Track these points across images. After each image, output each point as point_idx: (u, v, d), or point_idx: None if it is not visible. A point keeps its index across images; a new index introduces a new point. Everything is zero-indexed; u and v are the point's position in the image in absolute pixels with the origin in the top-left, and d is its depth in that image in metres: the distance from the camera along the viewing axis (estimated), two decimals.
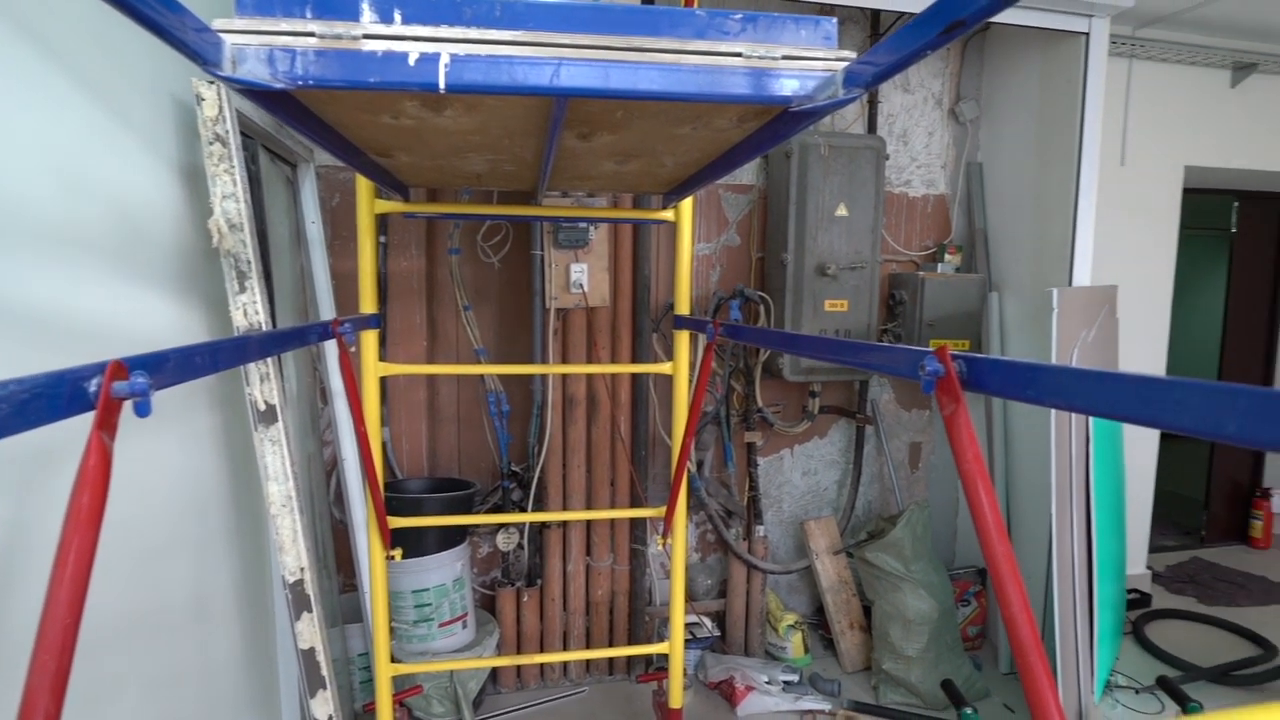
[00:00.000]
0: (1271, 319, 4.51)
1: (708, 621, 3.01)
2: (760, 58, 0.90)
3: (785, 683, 2.84)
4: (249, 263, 1.56)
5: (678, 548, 2.18)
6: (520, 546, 2.80)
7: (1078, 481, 2.47)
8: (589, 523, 2.85)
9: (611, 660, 2.91)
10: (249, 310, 1.57)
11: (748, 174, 2.99)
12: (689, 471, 2.92)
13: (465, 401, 2.84)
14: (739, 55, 0.90)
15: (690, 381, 2.13)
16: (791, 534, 3.27)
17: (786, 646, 3.03)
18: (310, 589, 1.66)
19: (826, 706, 2.72)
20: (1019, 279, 3.01)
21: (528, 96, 0.92)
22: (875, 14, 2.98)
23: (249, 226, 1.56)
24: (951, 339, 2.98)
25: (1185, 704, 1.76)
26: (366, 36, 0.82)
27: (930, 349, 0.80)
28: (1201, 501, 4.65)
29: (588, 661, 2.90)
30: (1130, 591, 3.65)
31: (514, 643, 2.78)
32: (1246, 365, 4.61)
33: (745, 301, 2.84)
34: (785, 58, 0.90)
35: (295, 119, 1.01)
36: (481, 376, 2.78)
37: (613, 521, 2.87)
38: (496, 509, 2.79)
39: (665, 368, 2.08)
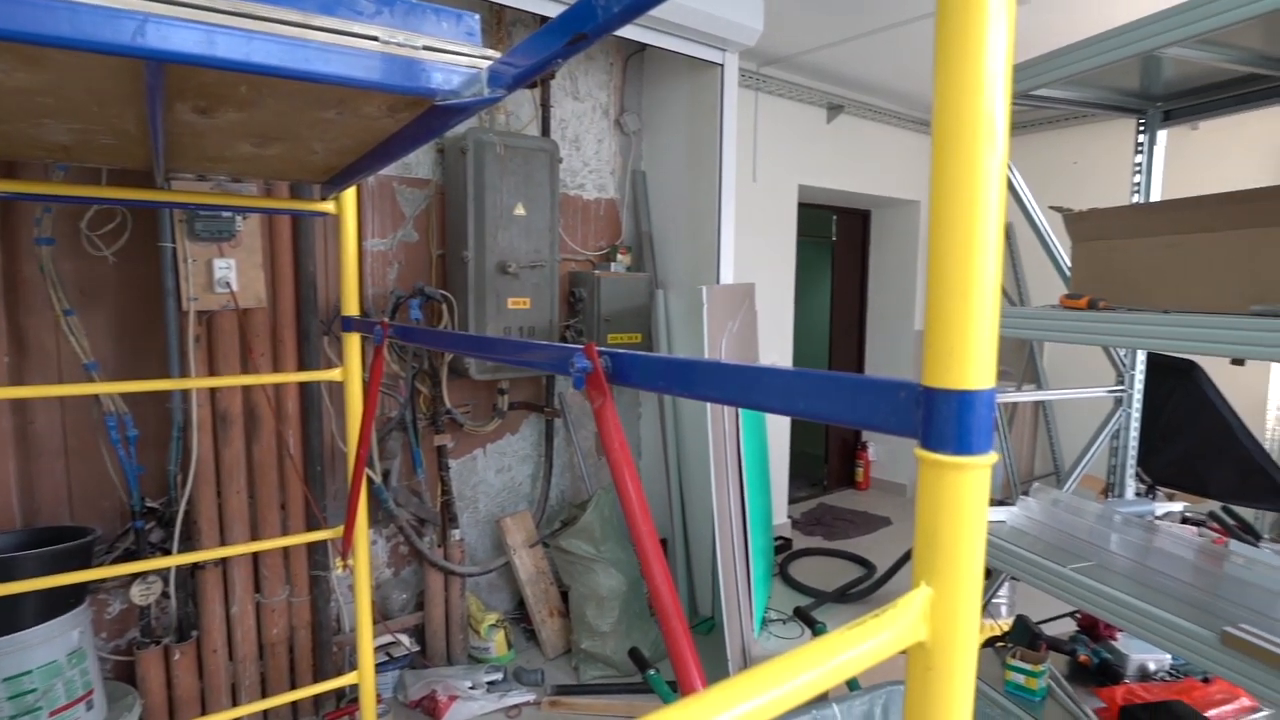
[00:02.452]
0: (861, 311, 5.71)
1: (405, 638, 2.86)
2: (399, 45, 0.85)
3: (489, 683, 2.82)
4: None
5: (360, 566, 2.02)
6: (166, 595, 2.35)
7: (731, 452, 2.85)
8: (257, 555, 2.50)
9: (296, 705, 2.60)
10: None
11: (424, 168, 2.88)
12: (374, 483, 2.73)
13: (75, 429, 2.29)
14: (375, 39, 0.84)
15: (363, 387, 1.98)
16: (489, 533, 3.26)
17: (490, 646, 3.01)
18: None
19: (531, 697, 2.76)
20: (679, 277, 3.37)
21: (108, 56, 0.75)
22: (499, 9, 2.87)
23: None
24: (626, 332, 3.22)
25: (814, 626, 2.15)
26: None
27: (578, 347, 0.84)
28: (823, 456, 5.73)
29: (265, 712, 2.55)
30: (777, 539, 4.35)
31: (164, 711, 2.34)
32: (848, 349, 5.78)
33: (427, 300, 2.74)
34: (427, 49, 0.87)
35: None
36: (96, 397, 2.27)
37: (287, 549, 2.56)
38: (128, 556, 2.31)
39: (334, 374, 1.91)
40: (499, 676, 2.88)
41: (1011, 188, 1.89)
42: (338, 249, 1.81)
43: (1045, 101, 1.80)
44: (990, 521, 1.90)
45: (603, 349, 0.83)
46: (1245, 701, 1.76)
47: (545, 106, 3.12)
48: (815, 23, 3.39)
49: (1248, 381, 3.53)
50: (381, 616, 2.87)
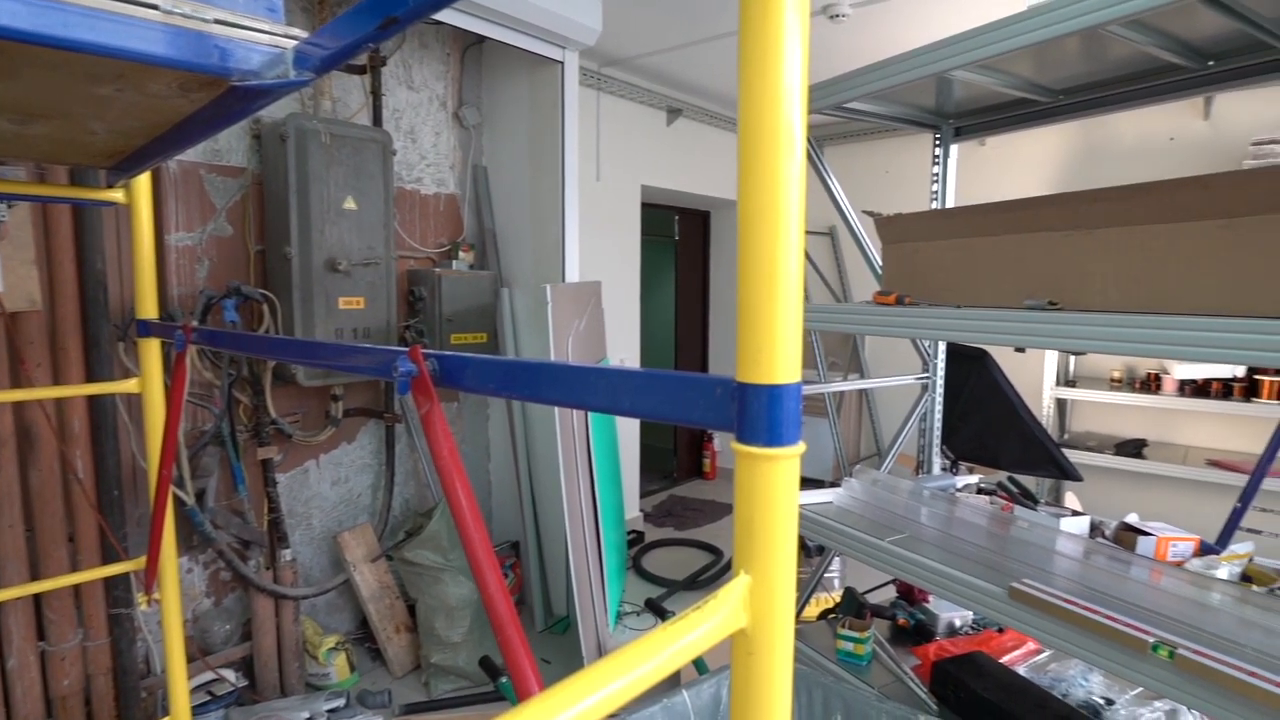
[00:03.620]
0: (705, 309, 5.93)
1: (230, 673, 2.60)
2: (185, 16, 0.76)
3: (330, 711, 2.63)
4: None
5: (169, 599, 1.80)
6: None
7: (580, 450, 2.86)
8: (39, 597, 2.17)
9: None
10: None
11: (237, 154, 2.63)
12: (186, 505, 2.45)
13: None
14: (155, 8, 0.74)
15: (166, 398, 1.77)
16: (326, 550, 3.04)
17: (330, 672, 2.81)
18: None
19: None
20: (525, 275, 3.32)
21: None
22: None
23: None
24: (471, 332, 3.13)
25: (664, 615, 2.21)
26: None
27: (404, 349, 0.79)
28: (672, 449, 5.90)
29: None
30: (630, 532, 4.42)
31: None
32: (693, 346, 5.98)
33: (244, 301, 2.50)
34: (219, 22, 0.78)
35: None
36: None
37: (78, 588, 2.24)
38: None
39: (130, 385, 1.69)
40: (340, 703, 2.69)
41: (831, 194, 2.04)
42: (131, 243, 1.60)
43: (856, 114, 1.96)
44: (820, 503, 2.04)
45: (430, 351, 0.79)
46: (1031, 645, 2.02)
47: (376, 95, 2.95)
48: (652, 27, 3.47)
49: (1028, 366, 4.06)
50: (201, 652, 2.59)
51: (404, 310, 3.12)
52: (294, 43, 0.83)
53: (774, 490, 0.51)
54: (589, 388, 0.63)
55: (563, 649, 3.17)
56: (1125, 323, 1.23)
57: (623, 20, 3.35)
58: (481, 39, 3.17)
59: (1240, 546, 1.51)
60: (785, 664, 0.54)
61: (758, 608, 0.53)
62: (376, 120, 2.97)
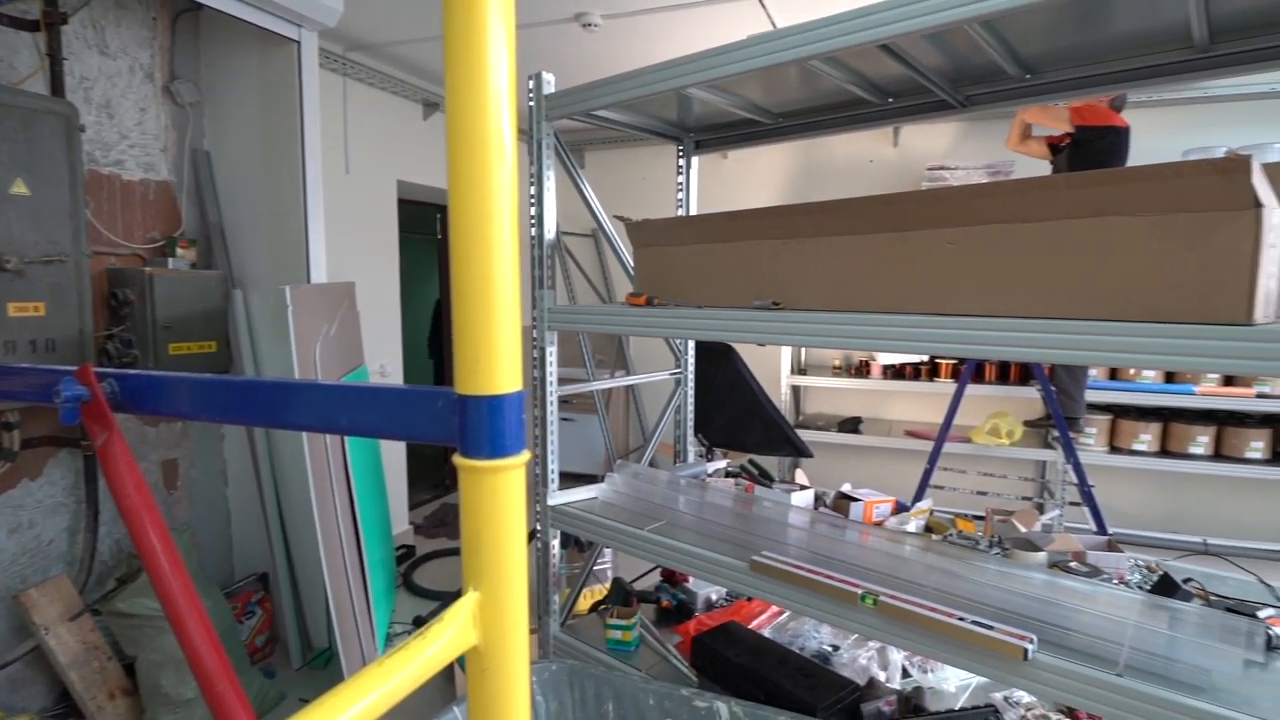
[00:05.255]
0: None
1: None
2: None
3: None
4: None
5: None
6: None
7: (335, 466, 2.64)
8: None
9: None
10: None
11: None
12: None
13: None
14: None
15: None
16: (5, 614, 2.47)
17: None
18: None
19: None
20: (262, 276, 2.98)
21: None
22: None
23: None
24: (196, 341, 2.73)
25: None
26: None
27: (69, 369, 0.66)
28: (443, 455, 5.69)
29: None
30: (400, 547, 4.18)
31: None
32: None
33: None
34: None
35: None
36: None
37: None
38: None
39: None
40: None
41: (584, 198, 2.10)
42: None
43: (607, 122, 2.03)
44: (586, 499, 2.09)
45: (105, 370, 0.67)
46: (775, 609, 2.25)
47: (55, 58, 2.45)
48: (402, 13, 3.30)
49: (768, 358, 4.53)
50: None
51: (104, 317, 2.63)
52: None
53: (500, 502, 0.51)
54: (300, 406, 0.57)
55: (326, 684, 2.90)
56: (831, 320, 1.41)
57: (369, 2, 3.15)
58: (196, 5, 2.78)
59: (923, 503, 1.82)
60: (521, 678, 0.54)
61: (489, 624, 0.52)
62: (57, 89, 2.46)
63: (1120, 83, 1.63)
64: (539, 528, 2.11)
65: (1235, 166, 1.03)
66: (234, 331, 2.84)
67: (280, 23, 2.74)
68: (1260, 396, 3.63)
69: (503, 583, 0.51)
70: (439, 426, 0.51)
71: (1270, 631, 1.26)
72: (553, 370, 1.99)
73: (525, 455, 0.52)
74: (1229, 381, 3.68)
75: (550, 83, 1.96)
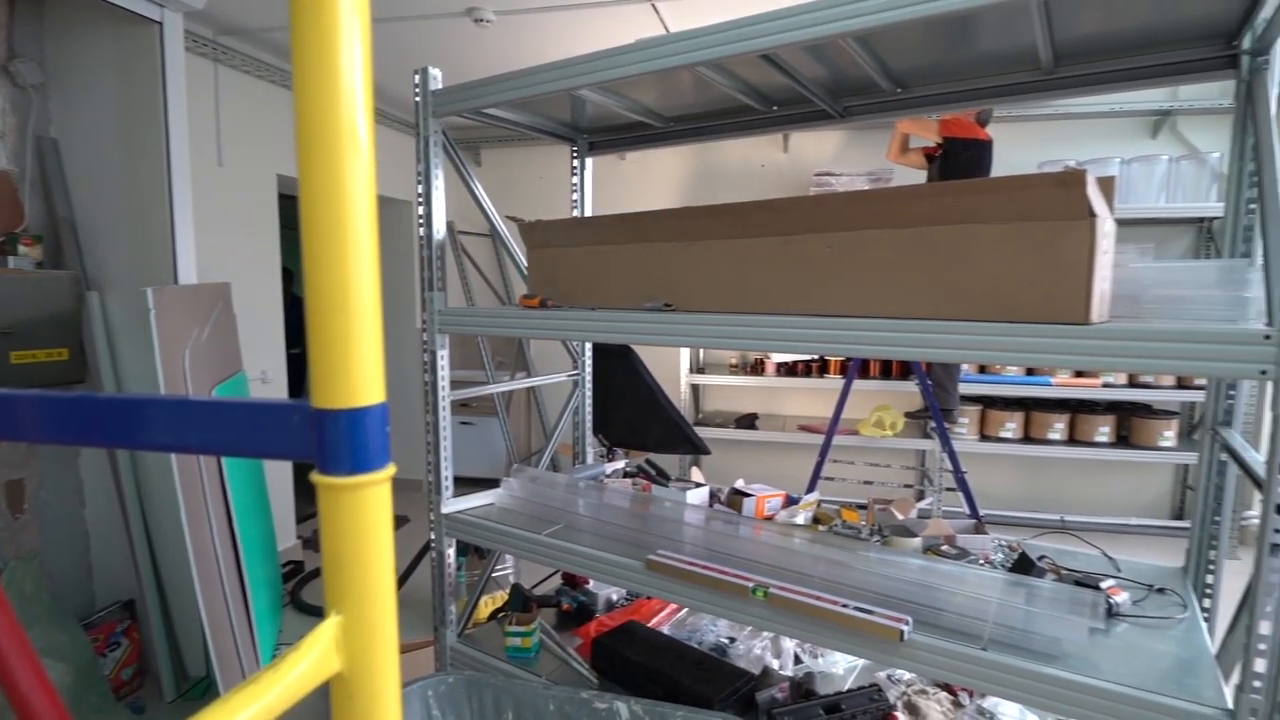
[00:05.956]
0: None
1: None
2: None
3: None
4: None
5: None
6: None
7: (210, 482, 2.46)
8: None
9: None
10: None
11: None
12: None
13: None
14: None
15: None
16: None
17: None
18: None
19: None
20: (122, 277, 2.73)
21: None
22: None
23: None
24: (44, 349, 2.48)
25: None
26: None
27: None
28: None
29: None
30: (286, 564, 3.95)
31: None
32: None
33: None
34: None
35: None
36: None
37: None
38: None
39: None
40: None
41: (475, 197, 2.05)
42: None
43: (498, 120, 1.99)
44: (482, 505, 2.05)
45: None
46: (673, 606, 2.28)
47: None
48: None
49: (667, 357, 4.59)
50: None
51: None
52: None
53: (364, 521, 0.48)
54: (141, 425, 0.52)
55: None
56: (720, 321, 1.44)
57: None
58: None
59: (811, 495, 1.90)
60: (391, 705, 0.52)
61: (354, 649, 0.49)
62: None
63: (982, 98, 1.76)
64: (434, 537, 2.04)
65: (1073, 180, 1.13)
66: (89, 338, 2.59)
67: (138, 1, 2.52)
68: (1106, 386, 4.01)
69: (368, 604, 0.49)
70: (295, 443, 0.49)
71: (1110, 600, 1.40)
72: (445, 374, 1.94)
73: (390, 470, 0.50)
74: (1080, 373, 4.05)
75: (438, 78, 1.90)
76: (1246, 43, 1.37)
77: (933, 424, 3.90)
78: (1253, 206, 1.40)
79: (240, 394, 3.04)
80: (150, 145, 2.66)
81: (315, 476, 0.48)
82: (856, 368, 3.62)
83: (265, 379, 3.98)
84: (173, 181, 2.67)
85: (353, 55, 0.45)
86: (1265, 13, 1.29)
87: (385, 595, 0.50)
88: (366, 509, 0.48)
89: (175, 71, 2.67)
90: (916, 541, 1.62)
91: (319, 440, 0.47)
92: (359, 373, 0.47)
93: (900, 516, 1.76)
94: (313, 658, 0.47)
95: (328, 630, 0.48)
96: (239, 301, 3.10)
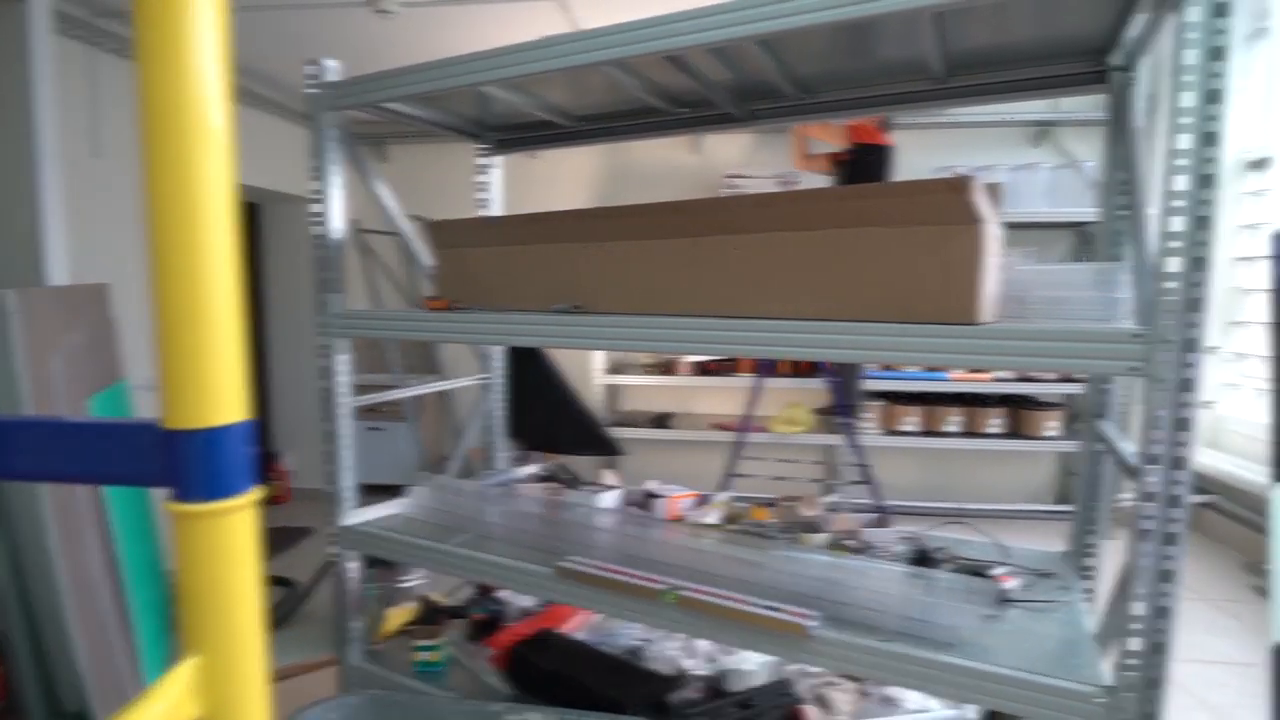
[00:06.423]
0: (258, 319, 5.25)
1: None
2: None
3: None
4: None
5: None
6: None
7: (85, 500, 2.26)
8: None
9: None
10: None
11: None
12: None
13: None
14: None
15: None
16: None
17: None
18: None
19: None
20: None
21: None
22: None
23: None
24: None
25: None
26: None
27: None
28: None
29: None
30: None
31: None
32: (247, 362, 5.24)
33: None
34: None
35: None
36: None
37: None
38: None
39: None
40: None
41: (377, 196, 1.96)
42: None
43: (400, 116, 1.92)
44: (387, 515, 1.97)
45: None
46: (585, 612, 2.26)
47: None
48: None
49: (581, 357, 4.57)
50: None
51: None
52: None
53: (225, 552, 0.44)
54: None
55: None
56: (630, 324, 1.43)
57: None
58: None
59: (722, 495, 1.92)
60: None
61: (217, 691, 0.45)
62: None
63: (882, 105, 1.82)
64: (336, 551, 1.95)
65: (961, 186, 1.18)
66: None
67: None
68: (996, 380, 4.27)
69: (231, 644, 0.45)
70: (144, 467, 0.44)
71: (1000, 587, 1.48)
72: (344, 380, 1.85)
73: (254, 493, 0.46)
74: (973, 369, 4.29)
75: (335, 70, 1.81)
76: (1116, 59, 1.47)
77: (840, 419, 4.05)
78: (1122, 213, 1.51)
79: (119, 404, 2.81)
80: (13, 136, 2.43)
81: (168, 505, 0.43)
82: (767, 366, 3.71)
83: (154, 387, 3.70)
84: (41, 174, 2.45)
85: (203, 33, 0.40)
86: (1132, 31, 1.39)
87: (250, 633, 0.46)
88: (227, 538, 0.44)
89: (41, 53, 2.44)
90: (823, 537, 1.66)
91: (171, 464, 0.43)
92: (215, 388, 0.43)
93: (807, 513, 1.80)
94: (166, 705, 0.43)
95: (183, 675, 0.44)
96: (125, 304, 2.87)
